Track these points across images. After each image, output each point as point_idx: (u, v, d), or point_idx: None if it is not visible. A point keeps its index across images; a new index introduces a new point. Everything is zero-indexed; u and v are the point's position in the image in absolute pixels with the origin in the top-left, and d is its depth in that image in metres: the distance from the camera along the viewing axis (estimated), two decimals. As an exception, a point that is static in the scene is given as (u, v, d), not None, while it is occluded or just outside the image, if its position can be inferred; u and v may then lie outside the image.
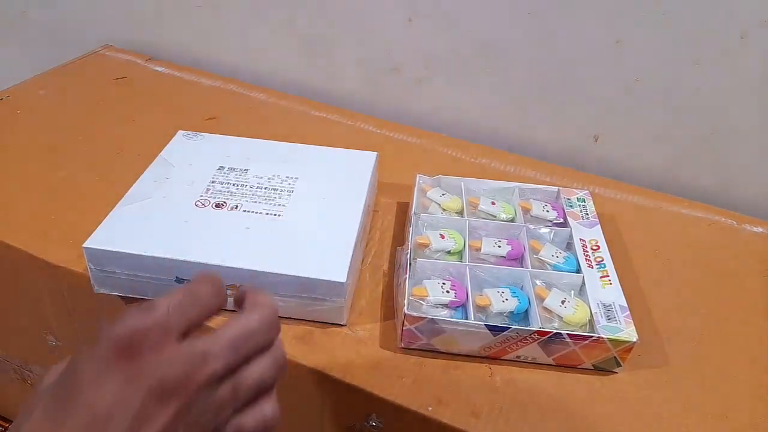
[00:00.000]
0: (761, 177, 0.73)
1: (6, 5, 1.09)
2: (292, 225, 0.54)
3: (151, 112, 0.82)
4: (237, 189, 0.58)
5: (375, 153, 0.65)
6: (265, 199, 0.57)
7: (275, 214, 0.55)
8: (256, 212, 0.55)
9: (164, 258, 0.49)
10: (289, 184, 0.60)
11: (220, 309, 0.29)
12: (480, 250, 0.57)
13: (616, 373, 0.50)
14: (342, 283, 0.49)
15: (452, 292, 0.51)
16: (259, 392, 0.29)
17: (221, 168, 0.61)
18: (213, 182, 0.59)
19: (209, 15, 0.92)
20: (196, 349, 0.26)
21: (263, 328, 0.29)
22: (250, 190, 0.58)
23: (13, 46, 1.15)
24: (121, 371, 0.25)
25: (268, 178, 0.60)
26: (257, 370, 0.28)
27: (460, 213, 0.61)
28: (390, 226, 0.64)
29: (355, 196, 0.58)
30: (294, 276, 0.49)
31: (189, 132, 0.67)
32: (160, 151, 0.63)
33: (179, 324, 0.27)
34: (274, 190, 0.59)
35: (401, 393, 0.47)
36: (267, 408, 0.29)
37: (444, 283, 0.52)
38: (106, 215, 0.54)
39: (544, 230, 0.59)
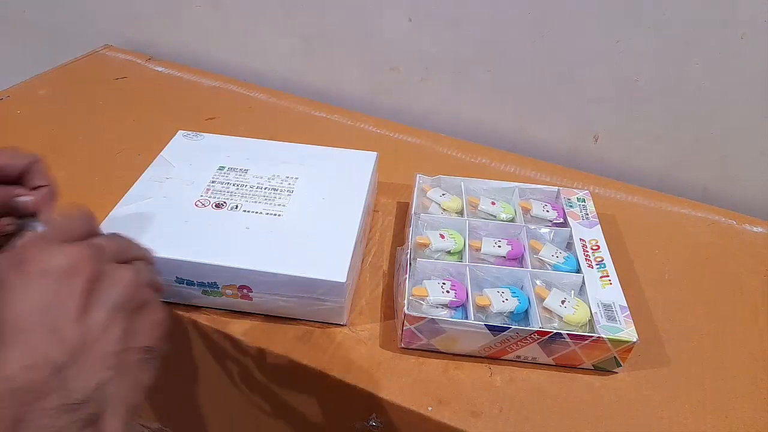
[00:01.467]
0: (761, 177, 0.73)
1: (6, 5, 1.09)
2: (292, 225, 0.54)
3: (151, 112, 0.82)
4: (237, 189, 0.58)
5: (375, 153, 0.65)
6: (265, 199, 0.57)
7: (275, 214, 0.55)
8: (256, 212, 0.55)
9: (164, 258, 0.49)
10: (289, 184, 0.60)
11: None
12: (480, 250, 0.57)
13: (616, 373, 0.50)
14: (342, 283, 0.49)
15: (452, 292, 0.51)
16: (151, 283, 0.32)
17: (221, 168, 0.61)
18: (213, 182, 0.59)
19: (209, 15, 0.92)
20: (77, 227, 0.31)
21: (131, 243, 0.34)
22: (250, 190, 0.58)
23: (13, 46, 1.15)
24: (23, 276, 0.27)
25: (268, 178, 0.60)
26: (141, 265, 0.33)
27: (460, 213, 0.61)
28: (390, 226, 0.64)
29: (355, 196, 0.58)
30: (294, 276, 0.49)
31: (189, 132, 0.67)
32: (160, 151, 0.63)
33: (56, 236, 0.30)
34: (274, 190, 0.59)
35: (401, 393, 0.47)
36: (158, 293, 0.33)
37: (444, 283, 0.52)
38: (106, 215, 0.54)
39: (544, 230, 0.59)
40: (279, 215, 0.55)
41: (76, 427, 0.25)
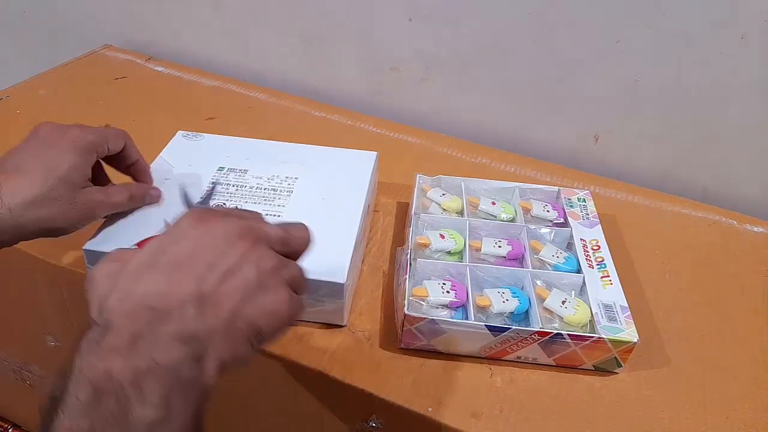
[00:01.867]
0: (761, 177, 0.73)
1: (6, 5, 1.09)
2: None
3: (150, 112, 0.82)
4: (237, 190, 0.58)
5: (375, 153, 0.65)
6: (265, 200, 0.57)
7: (275, 215, 0.55)
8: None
9: None
10: (289, 184, 0.59)
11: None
12: (480, 250, 0.57)
13: (617, 373, 0.50)
14: (342, 284, 0.49)
15: (452, 293, 0.51)
16: (293, 283, 0.35)
17: (221, 168, 0.61)
18: (213, 183, 0.59)
19: (209, 15, 0.92)
20: (256, 217, 0.36)
21: (304, 236, 0.38)
22: (250, 191, 0.58)
23: (13, 46, 1.15)
24: (199, 227, 0.33)
25: (268, 179, 0.60)
26: (296, 265, 0.36)
27: (461, 213, 0.61)
28: (390, 226, 0.64)
29: (355, 196, 0.58)
30: None
31: (188, 132, 0.67)
32: (160, 151, 0.63)
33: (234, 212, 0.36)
34: (274, 190, 0.59)
35: (401, 393, 0.47)
36: (297, 297, 0.35)
37: (444, 284, 0.52)
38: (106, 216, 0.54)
39: (545, 230, 0.59)
40: (278, 216, 0.55)
41: (182, 355, 0.29)
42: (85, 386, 0.28)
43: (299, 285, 0.36)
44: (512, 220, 0.61)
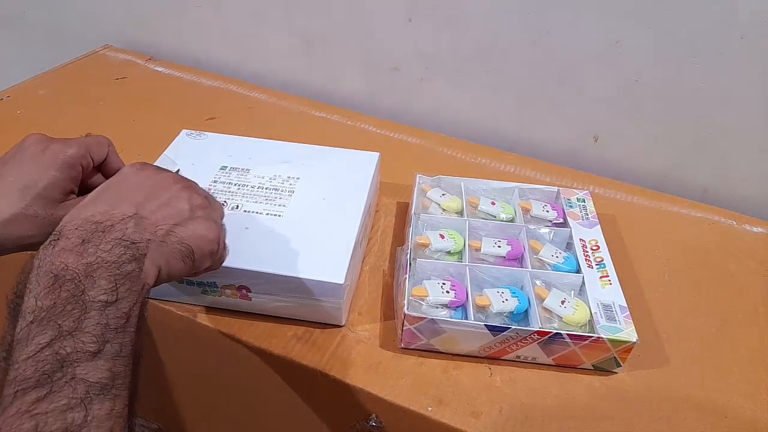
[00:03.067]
0: (761, 177, 0.73)
1: (6, 5, 1.09)
2: (292, 225, 0.54)
3: (151, 112, 0.82)
4: (238, 189, 0.58)
5: (377, 153, 0.65)
6: (266, 200, 0.57)
7: (276, 215, 0.55)
8: (257, 212, 0.55)
9: None
10: (290, 184, 0.59)
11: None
12: (480, 250, 0.57)
13: (616, 373, 0.50)
14: (340, 284, 0.49)
15: (452, 292, 0.51)
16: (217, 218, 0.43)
17: (223, 168, 0.61)
18: (215, 182, 0.59)
19: (209, 15, 0.92)
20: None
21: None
22: (251, 190, 0.58)
23: (13, 46, 1.15)
24: (140, 172, 0.42)
25: (270, 179, 0.60)
26: (219, 205, 0.44)
27: (460, 213, 0.61)
28: (390, 226, 0.64)
29: (356, 196, 0.58)
30: (292, 277, 0.49)
31: (193, 131, 0.67)
32: (161, 151, 0.63)
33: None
34: (275, 190, 0.59)
35: (401, 393, 0.47)
36: (220, 225, 0.43)
37: (444, 283, 0.52)
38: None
39: (544, 230, 0.59)
40: (279, 216, 0.55)
41: (123, 254, 0.35)
42: (46, 276, 0.34)
43: (220, 219, 0.44)
44: (512, 220, 0.61)
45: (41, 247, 0.36)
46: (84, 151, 0.48)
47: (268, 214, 0.55)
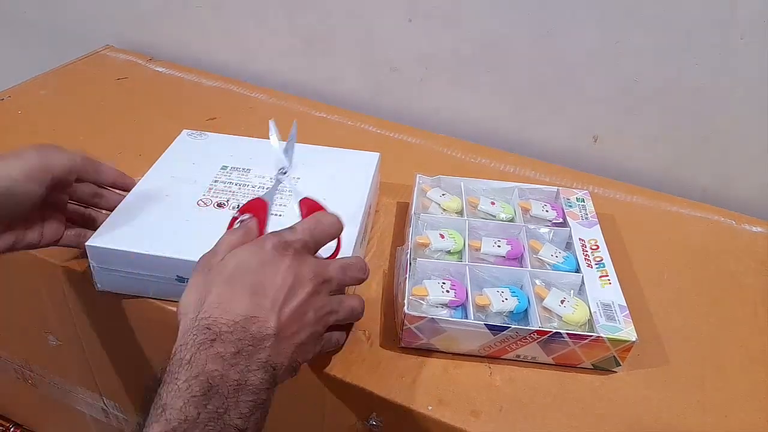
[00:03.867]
0: (761, 177, 0.73)
1: (6, 5, 1.10)
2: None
3: (151, 113, 0.82)
4: (239, 189, 0.58)
5: (377, 154, 0.65)
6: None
7: (276, 215, 0.55)
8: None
9: (165, 257, 0.50)
10: (291, 184, 0.60)
11: (338, 235, 0.45)
12: (480, 249, 0.57)
13: (616, 372, 0.50)
14: None
15: (452, 292, 0.51)
16: (346, 318, 0.45)
17: (224, 167, 0.61)
18: (215, 182, 0.59)
19: (209, 15, 0.92)
20: (322, 261, 0.43)
21: (359, 265, 0.46)
22: (252, 190, 0.58)
23: (13, 46, 1.15)
24: (280, 261, 0.40)
25: (270, 178, 0.60)
26: (351, 300, 0.46)
27: (460, 213, 0.61)
28: (390, 226, 0.64)
29: (356, 197, 0.58)
30: None
31: (194, 131, 0.67)
32: (161, 151, 0.63)
33: (311, 242, 0.43)
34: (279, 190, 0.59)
35: (401, 393, 0.47)
36: (342, 334, 0.47)
37: (444, 283, 0.52)
38: (107, 214, 0.54)
39: (544, 230, 0.59)
40: (279, 215, 0.55)
41: (265, 380, 0.36)
42: (200, 381, 0.34)
43: (342, 321, 0.45)
44: (511, 220, 0.61)
45: (192, 340, 0.36)
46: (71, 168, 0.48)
47: (269, 214, 0.55)
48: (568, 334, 0.48)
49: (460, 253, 0.56)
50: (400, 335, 0.50)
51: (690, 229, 0.68)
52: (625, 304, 0.51)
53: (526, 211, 0.62)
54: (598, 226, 0.60)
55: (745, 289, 0.60)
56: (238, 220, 0.46)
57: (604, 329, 0.49)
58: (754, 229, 0.68)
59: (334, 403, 0.51)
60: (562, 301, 0.51)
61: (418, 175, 0.64)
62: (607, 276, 0.54)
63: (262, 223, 0.46)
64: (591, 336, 0.48)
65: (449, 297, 0.51)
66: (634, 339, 0.48)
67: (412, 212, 0.60)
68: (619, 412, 0.47)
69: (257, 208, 0.47)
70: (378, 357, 0.50)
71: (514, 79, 0.78)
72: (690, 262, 0.63)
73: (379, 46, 0.83)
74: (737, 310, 0.58)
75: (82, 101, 0.85)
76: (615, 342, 0.48)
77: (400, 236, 0.63)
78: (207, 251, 0.43)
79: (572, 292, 0.53)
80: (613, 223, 0.67)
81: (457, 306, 0.51)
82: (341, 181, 0.60)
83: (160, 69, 0.94)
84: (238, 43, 0.93)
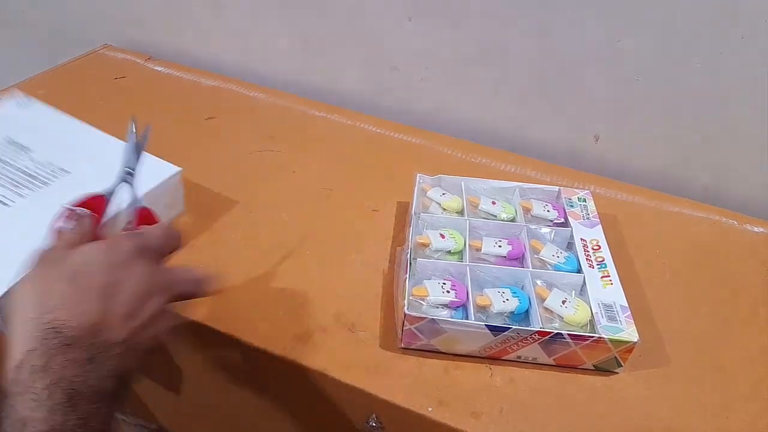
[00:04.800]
0: (761, 177, 0.73)
1: (6, 5, 1.09)
2: (12, 218, 0.50)
3: (150, 112, 0.82)
4: (2, 166, 0.54)
5: (178, 169, 0.59)
6: (12, 183, 0.53)
7: (3, 202, 0.50)
8: None
9: None
10: (53, 174, 0.54)
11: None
12: (480, 249, 0.57)
13: (617, 373, 0.50)
14: None
15: (452, 292, 0.51)
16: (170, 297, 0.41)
17: (10, 141, 0.56)
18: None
19: (209, 15, 0.92)
20: (173, 271, 0.42)
21: (200, 276, 0.43)
22: (9, 170, 0.54)
23: (13, 46, 1.15)
24: (134, 265, 0.38)
25: (39, 164, 0.55)
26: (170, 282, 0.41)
27: (461, 213, 0.61)
28: (390, 225, 0.64)
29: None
30: None
31: (30, 97, 0.63)
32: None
33: (165, 250, 0.42)
34: (31, 177, 0.54)
35: (401, 393, 0.47)
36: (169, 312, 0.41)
37: (444, 283, 0.52)
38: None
39: (545, 230, 0.59)
40: (8, 204, 0.50)
41: (117, 389, 0.35)
42: (63, 388, 0.33)
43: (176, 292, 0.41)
44: (512, 220, 0.61)
45: (41, 345, 0.33)
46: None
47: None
48: (569, 334, 0.48)
49: (460, 253, 0.56)
50: (400, 336, 0.50)
51: (691, 229, 0.68)
52: (627, 305, 0.51)
53: (527, 210, 0.61)
54: (600, 226, 0.60)
55: (746, 289, 0.60)
56: (66, 216, 0.42)
57: (605, 330, 0.48)
58: (755, 229, 0.68)
59: (334, 403, 0.51)
60: (563, 302, 0.51)
61: (418, 175, 0.64)
62: (609, 276, 0.54)
63: (96, 221, 0.43)
64: (592, 337, 0.48)
65: (450, 297, 0.51)
66: (635, 340, 0.48)
67: (413, 212, 0.59)
68: (621, 413, 0.47)
69: (95, 205, 0.43)
70: (378, 358, 0.50)
71: (515, 79, 0.78)
72: (691, 262, 0.63)
73: (379, 46, 0.83)
74: (738, 310, 0.57)
75: (80, 101, 0.84)
76: (616, 343, 0.48)
77: (400, 236, 0.62)
78: (42, 243, 0.39)
79: (573, 292, 0.53)
80: (615, 223, 0.66)
81: (457, 306, 0.51)
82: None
83: (158, 68, 0.93)
84: (238, 42, 0.93)
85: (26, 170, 0.54)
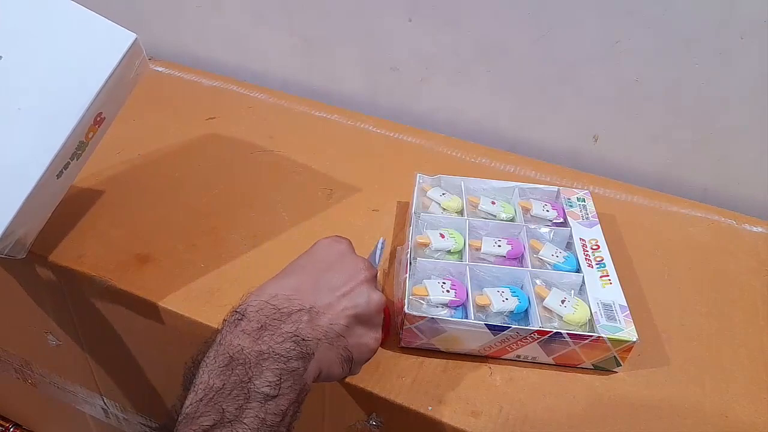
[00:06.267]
0: (761, 177, 0.73)
1: (6, 5, 1.09)
2: None
3: (151, 112, 0.82)
4: None
5: (133, 35, 0.47)
6: None
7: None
8: None
9: None
10: None
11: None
12: (480, 249, 0.57)
13: (616, 372, 0.50)
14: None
15: (452, 292, 0.51)
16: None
17: None
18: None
19: (209, 15, 0.92)
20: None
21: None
22: None
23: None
24: (332, 249, 0.43)
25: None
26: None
27: (460, 212, 0.61)
28: (390, 225, 0.64)
29: (74, 101, 0.41)
30: None
31: None
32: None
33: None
34: None
35: (401, 393, 0.47)
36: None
37: (444, 283, 0.52)
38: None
39: (544, 230, 0.59)
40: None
41: (292, 350, 0.37)
42: (224, 355, 0.36)
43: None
44: (512, 220, 0.61)
45: (225, 322, 0.38)
46: None
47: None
48: (568, 334, 0.48)
49: (460, 253, 0.56)
50: (400, 335, 0.50)
51: (690, 229, 0.68)
52: (626, 304, 0.51)
53: (526, 210, 0.62)
54: (599, 225, 0.60)
55: (745, 289, 0.60)
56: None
57: (604, 329, 0.49)
58: (754, 229, 0.68)
59: (334, 403, 0.51)
60: (562, 301, 0.51)
61: (418, 175, 0.64)
62: (608, 276, 0.54)
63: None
64: (592, 336, 0.48)
65: (449, 297, 0.51)
66: (634, 339, 0.48)
67: (413, 212, 0.59)
68: (620, 412, 0.47)
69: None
70: (378, 357, 0.50)
71: (515, 79, 0.78)
72: (690, 262, 0.63)
73: (379, 46, 0.83)
74: (737, 310, 0.57)
75: (81, 101, 0.84)
76: (616, 342, 0.48)
77: (400, 236, 0.63)
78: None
79: (573, 292, 0.53)
80: (614, 222, 0.66)
81: (457, 306, 0.51)
82: (67, 69, 0.42)
83: (159, 68, 0.93)
84: (238, 42, 0.93)
85: None
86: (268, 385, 0.35)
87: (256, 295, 0.39)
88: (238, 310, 0.38)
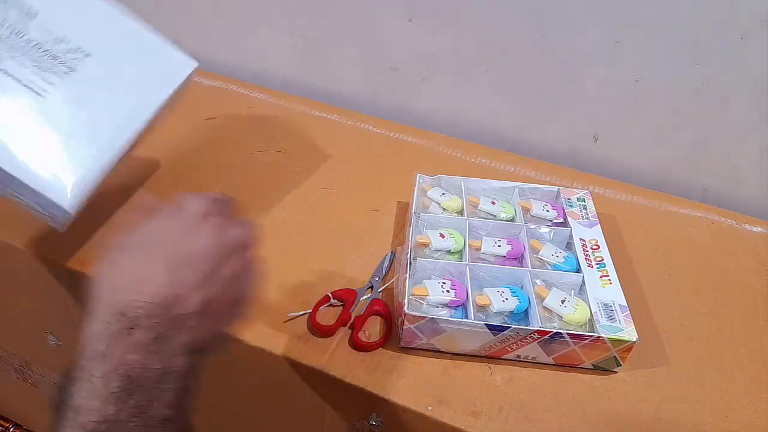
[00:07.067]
0: (761, 177, 0.73)
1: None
2: (48, 113, 0.43)
3: (151, 112, 0.82)
4: (9, 36, 0.44)
5: (194, 63, 0.55)
6: (37, 67, 0.44)
7: (38, 92, 0.43)
8: (17, 79, 0.43)
9: None
10: (74, 58, 0.45)
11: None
12: (480, 249, 0.57)
13: (616, 372, 0.50)
14: (65, 210, 0.41)
15: (452, 292, 0.51)
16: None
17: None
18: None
19: (209, 15, 0.92)
20: (241, 225, 0.39)
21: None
22: (25, 44, 0.44)
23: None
24: (202, 227, 0.36)
25: (55, 40, 0.45)
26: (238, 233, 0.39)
27: (460, 212, 0.61)
28: (390, 225, 0.64)
29: (144, 103, 0.47)
30: (11, 174, 0.40)
31: None
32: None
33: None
34: (53, 58, 0.45)
35: (401, 393, 0.47)
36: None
37: (444, 283, 0.52)
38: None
39: (544, 230, 0.59)
40: (41, 95, 0.43)
41: (190, 365, 0.33)
42: (118, 374, 0.30)
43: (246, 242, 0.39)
44: (512, 220, 0.61)
45: (105, 329, 0.31)
46: None
47: (29, 88, 0.42)
48: (568, 334, 0.48)
49: (460, 253, 0.56)
50: (400, 335, 0.50)
51: (690, 229, 0.68)
52: (626, 304, 0.51)
53: (526, 210, 0.62)
54: (599, 225, 0.60)
55: (745, 289, 0.60)
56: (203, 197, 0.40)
57: (604, 329, 0.49)
58: (754, 229, 0.68)
59: (334, 403, 0.51)
60: (562, 301, 0.51)
61: (418, 175, 0.64)
62: (608, 276, 0.54)
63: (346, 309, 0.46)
64: (592, 336, 0.48)
65: (449, 297, 0.51)
66: (634, 339, 0.48)
67: (413, 212, 0.59)
68: (620, 412, 0.47)
69: (347, 295, 0.49)
70: (378, 357, 0.50)
71: (515, 79, 0.78)
72: (690, 262, 0.63)
73: (379, 46, 0.83)
74: (737, 310, 0.57)
75: (81, 101, 0.84)
76: (616, 342, 0.48)
77: (400, 236, 0.63)
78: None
79: (573, 292, 0.53)
80: (614, 223, 0.66)
81: (457, 306, 0.51)
82: (137, 76, 0.48)
83: (159, 69, 0.93)
84: (238, 42, 0.93)
85: (46, 48, 0.45)
86: (167, 408, 0.32)
87: (135, 290, 0.32)
88: (124, 314, 0.31)
